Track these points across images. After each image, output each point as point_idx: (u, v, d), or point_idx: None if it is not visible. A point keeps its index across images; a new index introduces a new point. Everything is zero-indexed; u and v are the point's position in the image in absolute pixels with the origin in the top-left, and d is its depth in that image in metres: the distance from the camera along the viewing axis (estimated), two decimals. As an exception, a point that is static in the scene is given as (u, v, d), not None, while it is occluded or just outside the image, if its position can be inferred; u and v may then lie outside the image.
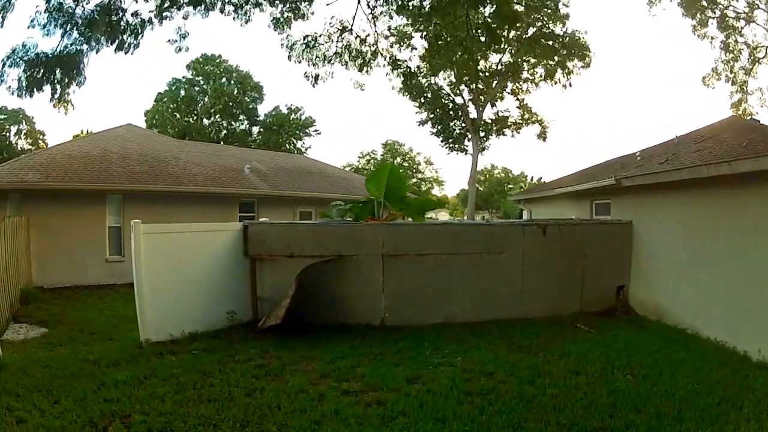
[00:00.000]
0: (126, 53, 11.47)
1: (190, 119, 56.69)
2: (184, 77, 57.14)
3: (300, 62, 17.97)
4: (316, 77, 18.26)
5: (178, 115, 56.41)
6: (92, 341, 9.51)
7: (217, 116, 57.00)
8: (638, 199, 11.60)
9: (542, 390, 6.41)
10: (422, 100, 35.47)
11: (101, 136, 22.08)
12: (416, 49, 32.51)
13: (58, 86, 10.70)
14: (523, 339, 8.93)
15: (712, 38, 27.94)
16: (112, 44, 10.98)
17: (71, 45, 10.65)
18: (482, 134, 35.67)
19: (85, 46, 10.71)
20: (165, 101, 56.60)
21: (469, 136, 35.64)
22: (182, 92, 57.13)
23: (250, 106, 58.57)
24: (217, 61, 57.13)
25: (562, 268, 11.02)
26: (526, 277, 10.79)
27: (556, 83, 33.75)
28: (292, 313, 8.99)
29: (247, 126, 59.20)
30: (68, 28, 10.49)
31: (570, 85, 33.41)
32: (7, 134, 54.64)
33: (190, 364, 7.37)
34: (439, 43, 32.05)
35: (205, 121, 57.86)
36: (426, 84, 35.09)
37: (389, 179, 12.11)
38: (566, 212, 15.31)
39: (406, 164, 77.00)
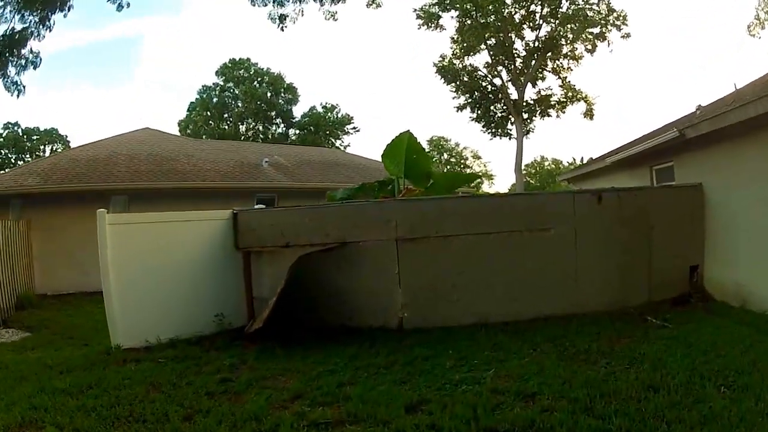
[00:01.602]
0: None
1: (225, 126, 56.20)
2: (214, 83, 56.81)
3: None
4: (282, 18, 16.74)
5: (212, 123, 56.16)
6: (66, 346, 9.02)
7: (250, 121, 56.48)
8: (708, 156, 9.48)
9: (606, 421, 4.35)
10: (458, 83, 33.39)
11: (113, 140, 21.56)
12: (446, 29, 31.17)
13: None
14: (578, 341, 6.94)
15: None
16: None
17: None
18: (525, 116, 33.47)
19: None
20: (198, 110, 56.35)
21: (512, 119, 33.46)
22: (215, 99, 56.64)
23: (285, 109, 57.66)
24: (246, 65, 56.45)
25: (624, 246, 9.01)
26: (580, 259, 8.76)
27: (593, 53, 31.77)
28: (286, 315, 8.03)
29: (284, 129, 58.40)
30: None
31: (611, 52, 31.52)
32: (42, 154, 55.03)
33: (145, 374, 6.35)
34: (468, 22, 31.07)
35: (242, 128, 57.37)
36: (460, 66, 33.17)
37: (408, 152, 10.44)
38: (624, 185, 13.13)
39: (453, 160, 75.49)
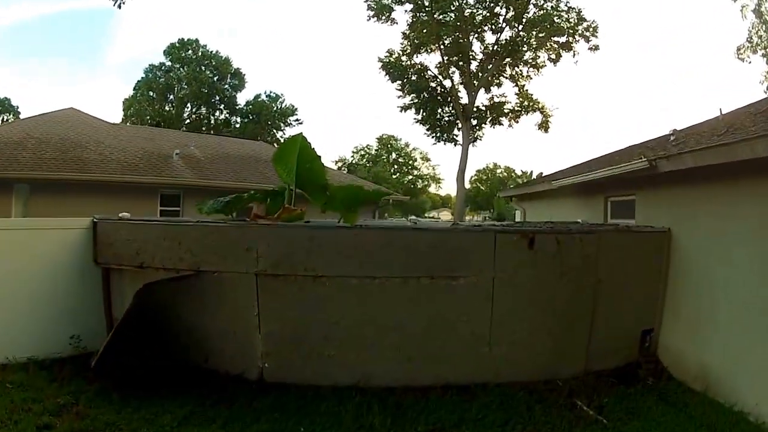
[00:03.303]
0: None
1: (168, 108, 53.54)
2: (160, 63, 54.16)
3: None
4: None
5: (157, 105, 53.50)
6: None
7: (191, 105, 53.93)
8: (685, 196, 7.60)
9: None
10: (404, 82, 31.45)
11: (31, 121, 20.39)
12: (397, 23, 29.49)
13: None
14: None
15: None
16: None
17: None
18: (474, 122, 31.75)
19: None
20: (141, 90, 53.72)
21: (459, 125, 31.77)
22: (162, 80, 53.89)
23: (230, 94, 55.27)
24: (194, 46, 53.79)
25: (559, 303, 7.06)
26: (497, 317, 6.82)
27: (557, 63, 30.55)
28: (136, 349, 6.75)
29: (227, 115, 55.76)
30: None
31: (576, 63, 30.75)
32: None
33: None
34: (423, 16, 29.17)
35: (186, 112, 54.64)
36: (408, 63, 31.22)
37: (300, 160, 8.33)
38: (572, 213, 11.41)
39: (401, 160, 74.38)
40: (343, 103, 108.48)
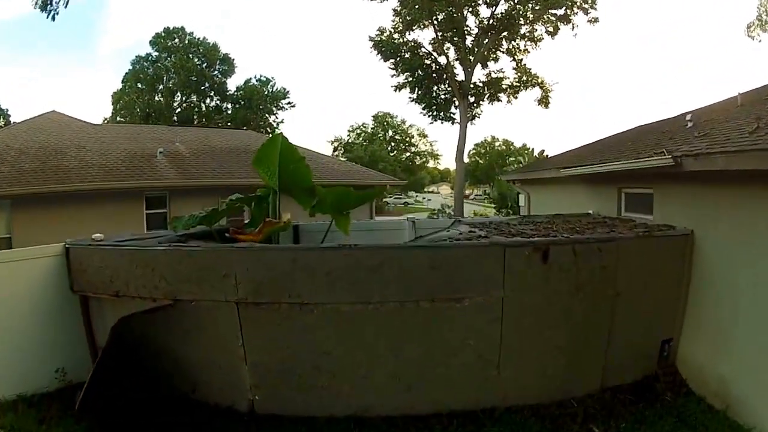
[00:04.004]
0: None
1: (158, 98, 52.35)
2: (147, 54, 52.96)
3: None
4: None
5: (146, 96, 52.28)
6: None
7: (180, 94, 52.83)
8: (706, 194, 6.81)
9: None
10: (397, 60, 30.39)
11: (12, 129, 19.95)
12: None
13: None
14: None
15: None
16: None
17: None
18: (472, 99, 30.71)
19: None
20: (129, 82, 52.61)
21: (456, 102, 30.79)
22: (150, 71, 52.67)
23: (220, 81, 53.96)
24: (180, 34, 52.44)
25: (575, 319, 6.37)
26: (507, 339, 6.14)
27: (555, 36, 29.44)
28: (117, 383, 6.46)
29: (218, 102, 54.60)
30: None
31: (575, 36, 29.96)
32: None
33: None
34: None
35: (176, 101, 53.57)
36: (401, 41, 30.10)
37: (283, 161, 7.75)
38: (581, 202, 10.60)
39: (398, 137, 73.38)
40: (338, 83, 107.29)
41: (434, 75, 30.87)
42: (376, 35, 29.97)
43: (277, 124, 54.88)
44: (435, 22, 28.85)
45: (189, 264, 6.17)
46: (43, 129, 19.22)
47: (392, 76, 31.38)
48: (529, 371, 6.34)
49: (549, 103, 30.78)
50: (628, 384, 6.66)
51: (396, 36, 29.94)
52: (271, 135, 49.98)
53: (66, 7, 16.35)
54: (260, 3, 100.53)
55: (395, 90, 31.46)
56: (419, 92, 31.32)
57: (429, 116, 32.13)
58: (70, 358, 7.32)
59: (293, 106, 56.10)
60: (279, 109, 55.15)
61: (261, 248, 6.24)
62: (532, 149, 29.83)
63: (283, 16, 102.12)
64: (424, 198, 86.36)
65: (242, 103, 53.50)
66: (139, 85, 52.08)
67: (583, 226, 7.73)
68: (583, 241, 6.29)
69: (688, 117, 9.38)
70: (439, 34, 29.54)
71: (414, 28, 29.33)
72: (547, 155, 33.07)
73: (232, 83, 55.51)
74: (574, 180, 10.87)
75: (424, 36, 28.97)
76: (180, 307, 6.17)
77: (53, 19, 16.14)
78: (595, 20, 28.38)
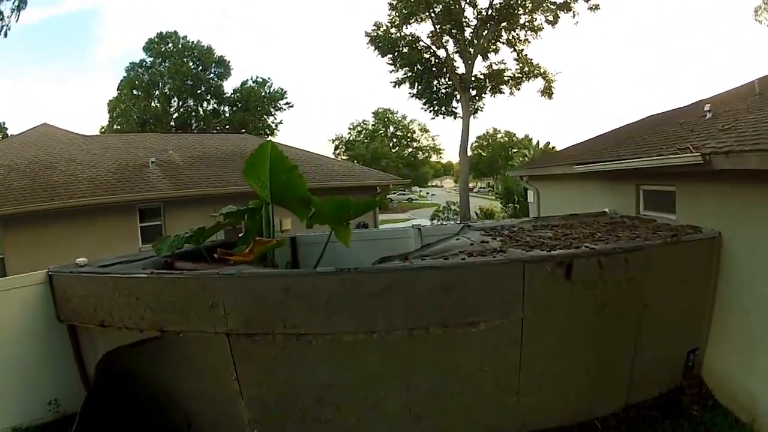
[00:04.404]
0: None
1: (154, 104, 51.65)
2: (141, 60, 52.14)
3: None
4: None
5: (143, 103, 51.36)
6: None
7: (176, 98, 52.04)
8: (735, 194, 6.27)
9: None
10: (395, 55, 29.66)
11: (3, 144, 19.76)
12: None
13: None
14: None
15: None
16: None
17: None
18: (473, 93, 29.97)
19: None
20: (124, 89, 51.91)
21: (458, 96, 30.03)
22: (146, 77, 51.82)
23: (216, 84, 53.13)
24: (173, 38, 51.60)
25: (599, 336, 5.88)
26: (527, 361, 5.59)
27: (555, 25, 28.65)
28: (109, 415, 6.09)
29: (215, 106, 53.85)
30: None
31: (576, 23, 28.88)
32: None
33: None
34: None
35: (174, 106, 52.90)
36: (398, 35, 29.34)
37: (274, 170, 7.21)
38: (595, 200, 10.01)
39: (400, 133, 72.76)
40: (337, 81, 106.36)
41: (434, 69, 30.18)
42: (372, 30, 29.35)
43: (276, 126, 54.29)
44: (432, 14, 28.13)
45: (173, 293, 5.57)
46: (33, 143, 18.74)
47: (391, 72, 30.73)
48: (550, 394, 5.83)
49: (552, 93, 30.03)
50: (652, 399, 6.29)
51: (393, 30, 29.26)
52: (268, 138, 49.58)
53: (17, 21, 15.96)
54: (255, 3, 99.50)
55: (394, 86, 30.84)
56: (419, 87, 30.65)
57: (430, 111, 31.47)
58: (63, 389, 7.06)
59: (291, 107, 55.51)
60: (277, 110, 54.46)
61: (249, 275, 5.56)
62: (538, 142, 29.32)
63: (278, 15, 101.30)
64: (428, 193, 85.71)
65: (240, 105, 52.80)
66: (135, 92, 51.33)
67: (601, 229, 7.15)
68: (608, 252, 5.65)
69: (707, 107, 8.80)
70: (437, 26, 28.84)
71: (411, 21, 28.66)
72: (553, 147, 32.16)
73: (229, 86, 55.11)
74: (586, 176, 10.24)
75: (422, 30, 28.24)
76: (168, 338, 5.66)
77: (5, 35, 15.87)
78: (596, 7, 27.62)
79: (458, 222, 29.22)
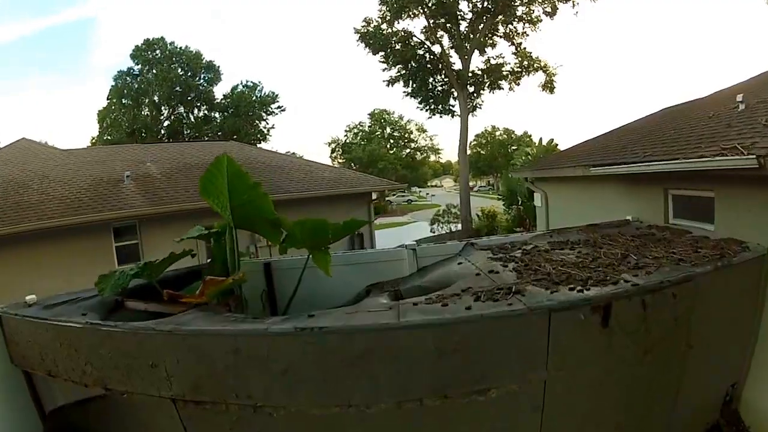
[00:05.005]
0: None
1: (144, 113, 50.52)
2: (129, 68, 50.91)
3: None
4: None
5: (133, 112, 50.32)
6: None
7: (166, 106, 50.80)
8: None
9: None
10: (387, 52, 28.37)
11: None
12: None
13: None
14: None
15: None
16: None
17: None
18: (471, 89, 28.67)
19: None
20: (113, 98, 50.76)
21: (455, 93, 28.77)
22: (135, 85, 50.57)
23: (206, 89, 51.88)
24: (161, 45, 50.26)
25: (638, 389, 4.74)
26: (548, 429, 4.35)
27: (553, 16, 27.34)
28: None
29: (206, 112, 52.66)
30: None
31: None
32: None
33: None
34: None
35: (164, 114, 51.75)
36: (390, 31, 28.06)
37: (234, 188, 6.01)
38: (613, 205, 8.78)
39: (397, 134, 71.80)
40: (331, 82, 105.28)
41: (429, 66, 28.97)
42: (362, 26, 28.05)
43: (268, 131, 53.05)
44: (425, 9, 26.94)
45: (111, 347, 4.55)
46: (9, 160, 17.84)
47: (384, 70, 29.59)
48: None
49: (554, 87, 28.74)
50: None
51: (384, 26, 28.00)
52: (261, 143, 48.04)
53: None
54: (246, 7, 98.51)
55: (387, 84, 29.54)
56: (414, 86, 29.40)
57: (427, 110, 30.27)
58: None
59: (283, 110, 53.75)
60: (269, 115, 53.12)
61: (189, 333, 4.31)
62: (540, 139, 28.16)
63: (269, 18, 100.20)
64: (427, 194, 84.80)
65: (231, 111, 51.60)
66: (124, 101, 50.20)
67: (631, 246, 5.90)
68: (654, 289, 4.36)
69: (739, 98, 7.63)
70: (431, 21, 27.60)
71: (403, 16, 27.37)
72: (556, 145, 30.83)
73: (220, 91, 53.74)
74: (603, 178, 9.01)
75: (415, 25, 26.77)
76: (114, 397, 4.77)
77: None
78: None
79: (459, 225, 27.99)
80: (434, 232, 29.44)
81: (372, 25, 27.83)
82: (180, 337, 4.24)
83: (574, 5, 26.73)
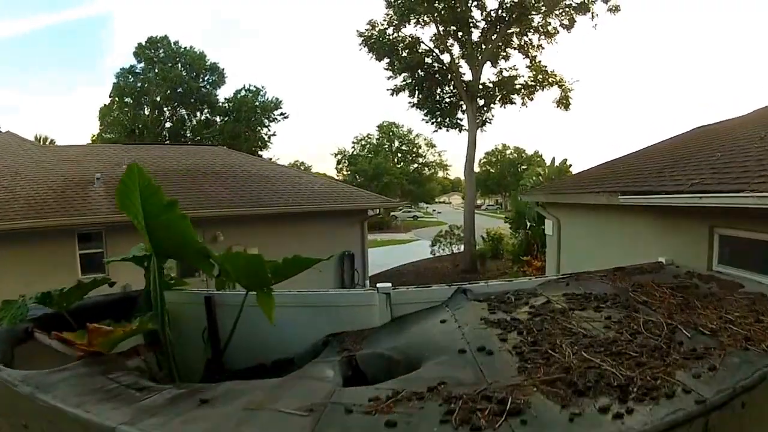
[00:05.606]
0: None
1: (144, 112, 49.75)
2: (131, 66, 49.93)
3: None
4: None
5: (135, 111, 49.61)
6: None
7: (167, 106, 49.77)
8: None
9: None
10: (393, 59, 26.77)
11: None
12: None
13: None
14: None
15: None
16: None
17: None
18: (481, 103, 27.07)
19: None
20: (114, 96, 49.85)
21: (463, 107, 27.12)
22: (138, 84, 49.58)
23: (209, 92, 50.75)
24: (164, 43, 49.26)
25: None
26: None
27: (571, 29, 25.97)
28: None
29: (208, 115, 51.48)
30: None
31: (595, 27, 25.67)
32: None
33: None
34: None
35: (165, 114, 50.83)
36: (397, 37, 26.49)
37: (147, 206, 4.69)
38: (636, 237, 7.64)
39: (405, 148, 70.75)
40: (339, 90, 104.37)
41: (437, 75, 27.32)
42: (366, 30, 26.36)
43: (269, 138, 51.87)
44: (435, 15, 25.46)
45: None
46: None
47: (389, 78, 27.90)
48: None
49: (569, 104, 27.19)
50: None
51: (390, 31, 26.42)
52: (262, 149, 46.57)
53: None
54: (256, 10, 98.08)
55: (392, 93, 27.92)
56: (420, 96, 27.78)
57: (433, 123, 28.56)
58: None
59: (286, 117, 52.59)
60: (271, 121, 51.77)
61: (45, 406, 2.89)
62: (553, 159, 26.69)
63: (278, 23, 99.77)
64: (434, 210, 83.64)
65: (233, 115, 50.44)
66: (126, 100, 49.37)
67: (668, 300, 4.44)
68: (722, 403, 2.79)
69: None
70: (441, 28, 26.04)
71: (410, 20, 25.82)
72: (570, 165, 29.21)
73: (224, 94, 53.09)
74: (631, 207, 7.48)
75: (424, 32, 25.15)
76: None
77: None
78: (616, 8, 24.87)
79: (461, 246, 26.38)
80: (434, 254, 28.11)
81: (377, 29, 26.23)
82: (38, 407, 3.04)
83: (593, 17, 25.24)
